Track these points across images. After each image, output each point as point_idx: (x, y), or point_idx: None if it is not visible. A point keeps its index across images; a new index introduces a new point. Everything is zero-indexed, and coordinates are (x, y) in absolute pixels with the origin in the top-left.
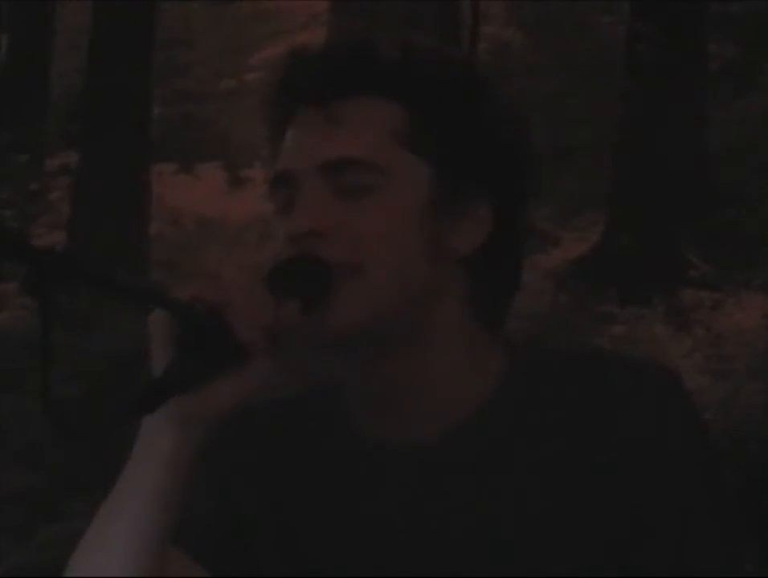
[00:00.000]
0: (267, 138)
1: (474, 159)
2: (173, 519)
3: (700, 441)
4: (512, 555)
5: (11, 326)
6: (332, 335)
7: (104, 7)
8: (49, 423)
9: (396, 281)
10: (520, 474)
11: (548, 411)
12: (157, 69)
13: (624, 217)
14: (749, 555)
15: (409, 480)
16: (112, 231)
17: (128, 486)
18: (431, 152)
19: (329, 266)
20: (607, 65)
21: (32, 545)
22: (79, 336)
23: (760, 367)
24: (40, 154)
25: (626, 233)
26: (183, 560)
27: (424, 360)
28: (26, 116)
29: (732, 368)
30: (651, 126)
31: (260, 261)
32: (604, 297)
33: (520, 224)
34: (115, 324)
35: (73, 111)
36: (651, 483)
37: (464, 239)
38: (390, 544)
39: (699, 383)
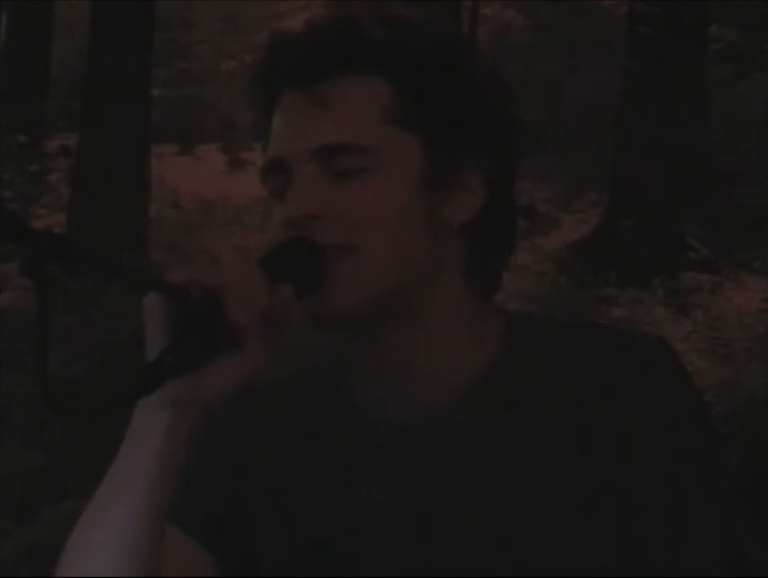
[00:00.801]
0: (255, 122)
1: (463, 128)
2: (169, 500)
3: (696, 412)
4: (511, 524)
5: (12, 306)
6: (332, 316)
7: None
8: (46, 405)
9: (393, 260)
10: (520, 442)
11: (545, 381)
12: (158, 50)
13: (624, 199)
14: (748, 537)
15: (412, 452)
16: (112, 212)
17: (123, 469)
18: (421, 125)
19: (324, 249)
20: (608, 47)
21: (33, 524)
22: (80, 317)
23: (759, 350)
24: (40, 135)
25: (626, 215)
26: (182, 539)
27: (423, 334)
28: (26, 97)
29: (731, 351)
30: (652, 109)
31: (257, 243)
32: (604, 280)
33: (513, 190)
34: (115, 305)
35: (73, 92)
36: (648, 456)
37: (459, 210)
38: (393, 517)
39: (698, 365)
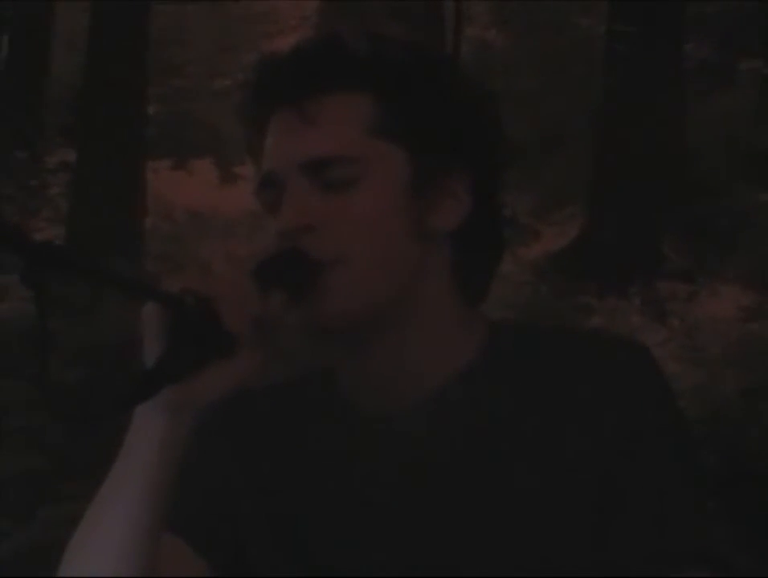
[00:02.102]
0: (249, 141)
1: (447, 139)
2: (166, 504)
3: (670, 408)
4: (494, 516)
5: (11, 316)
6: (324, 324)
7: (101, 9)
8: (47, 408)
9: (383, 269)
10: (501, 432)
11: (525, 382)
12: (153, 69)
13: (602, 211)
14: (724, 537)
15: (400, 448)
16: (109, 225)
17: (121, 473)
18: (405, 137)
19: (317, 259)
20: (586, 64)
21: (32, 525)
22: (79, 324)
23: (733, 356)
24: (39, 151)
25: (604, 227)
26: (176, 543)
27: (410, 338)
28: (26, 114)
29: (706, 357)
30: (629, 124)
31: (250, 253)
32: (583, 289)
33: (498, 198)
34: (113, 314)
35: (71, 109)
36: (626, 454)
37: (445, 217)
38: (384, 512)
39: (674, 371)
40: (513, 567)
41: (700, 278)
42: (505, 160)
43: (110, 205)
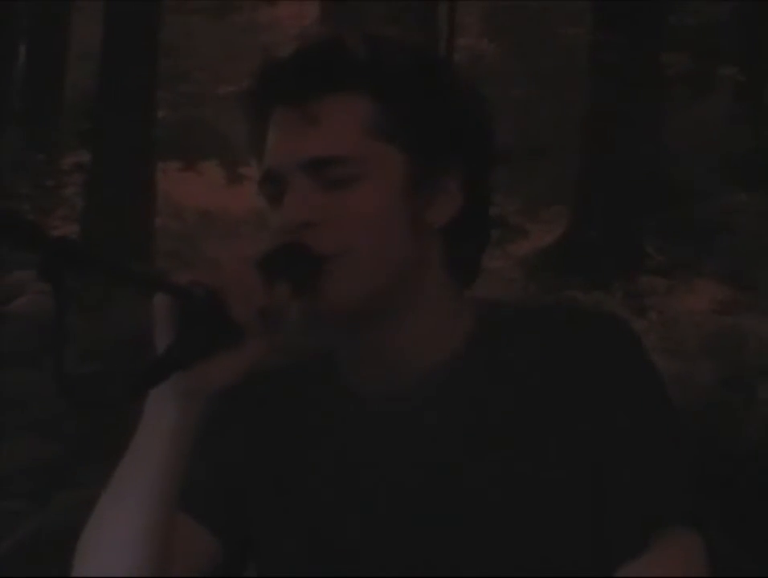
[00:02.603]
0: (250, 138)
1: (442, 139)
2: (179, 484)
3: (654, 382)
4: (488, 488)
5: (29, 309)
6: (328, 314)
7: (114, 20)
8: (63, 398)
9: (382, 261)
10: (494, 407)
11: (515, 357)
12: (162, 75)
13: (587, 211)
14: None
15: (397, 427)
16: (121, 223)
17: (136, 456)
18: (403, 138)
19: (318, 253)
20: (572, 73)
21: (49, 509)
22: (92, 318)
23: (708, 347)
24: (56, 153)
25: (589, 226)
26: (189, 523)
27: (407, 321)
28: (43, 118)
29: (682, 348)
30: (612, 129)
31: (255, 250)
32: (569, 283)
33: (487, 193)
34: (124, 307)
35: (86, 113)
36: (614, 419)
37: (439, 212)
38: (386, 484)
39: (653, 360)
40: (509, 537)
41: (678, 274)
42: (495, 159)
43: (122, 205)
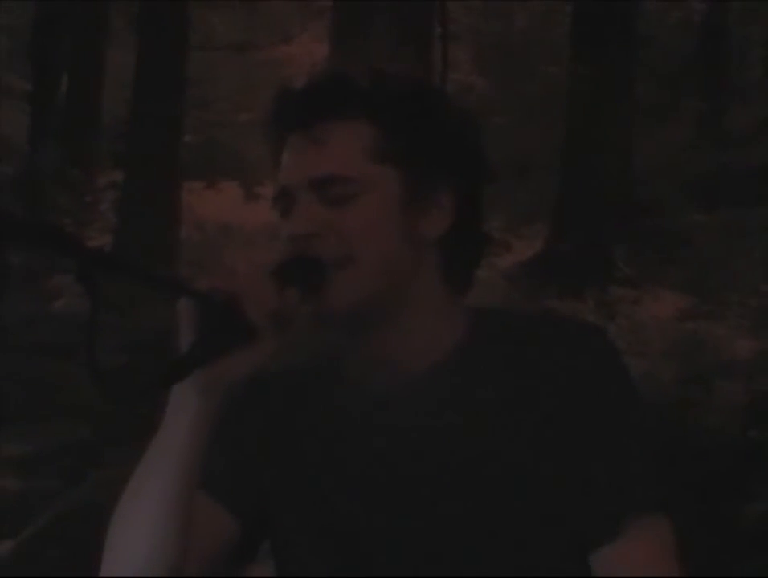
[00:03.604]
0: (271, 159)
1: (434, 160)
2: (199, 467)
3: (629, 381)
4: (474, 468)
5: (68, 309)
6: (333, 316)
7: (146, 53)
8: (95, 387)
9: (381, 269)
10: (484, 402)
11: (503, 358)
12: (188, 104)
13: (564, 228)
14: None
15: (395, 417)
16: (150, 235)
17: (161, 442)
18: (399, 160)
19: (323, 261)
20: (551, 103)
21: (82, 487)
22: (123, 318)
23: (671, 350)
24: (93, 172)
25: (565, 241)
26: (210, 503)
27: (406, 325)
28: (82, 140)
29: (648, 351)
30: (587, 153)
31: (269, 259)
32: (547, 292)
33: (479, 208)
34: (152, 309)
35: (120, 136)
36: (590, 414)
37: (433, 225)
38: (388, 466)
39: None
40: (495, 522)
41: (644, 285)
42: (485, 178)
43: (151, 219)
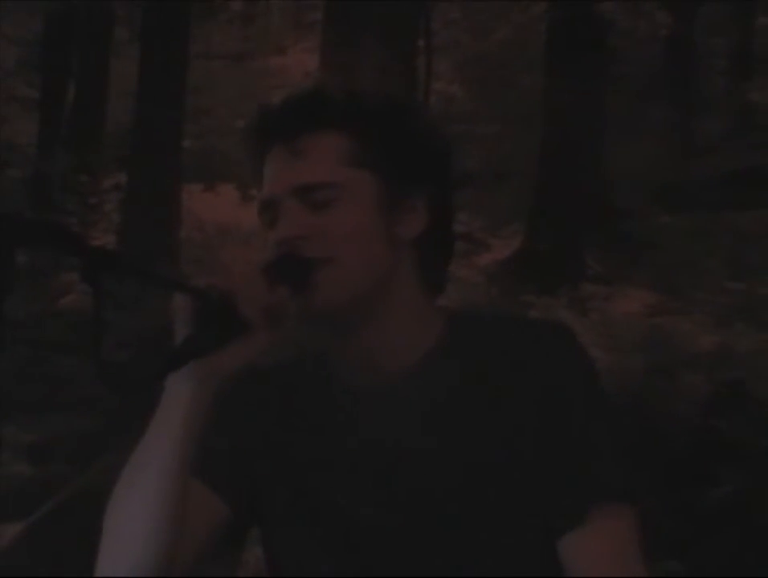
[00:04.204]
0: (252, 170)
1: (408, 168)
2: (192, 452)
3: (594, 377)
4: (447, 457)
5: (74, 305)
6: (317, 313)
7: (148, 64)
8: (100, 379)
9: (362, 268)
10: (458, 395)
11: (476, 355)
12: (188, 111)
13: (540, 229)
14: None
15: (376, 409)
16: (152, 235)
17: (156, 428)
18: (374, 167)
19: (309, 261)
20: (529, 114)
21: (88, 473)
22: (126, 314)
23: (639, 343)
24: (98, 175)
25: (541, 241)
26: (203, 490)
27: (385, 322)
28: (87, 146)
29: (618, 344)
30: (561, 160)
31: (261, 259)
32: (524, 289)
33: (449, 212)
34: (152, 305)
35: (123, 142)
36: (557, 409)
37: (408, 227)
38: (369, 454)
39: (592, 355)
40: (467, 502)
41: (615, 283)
42: (454, 184)
43: (153, 219)
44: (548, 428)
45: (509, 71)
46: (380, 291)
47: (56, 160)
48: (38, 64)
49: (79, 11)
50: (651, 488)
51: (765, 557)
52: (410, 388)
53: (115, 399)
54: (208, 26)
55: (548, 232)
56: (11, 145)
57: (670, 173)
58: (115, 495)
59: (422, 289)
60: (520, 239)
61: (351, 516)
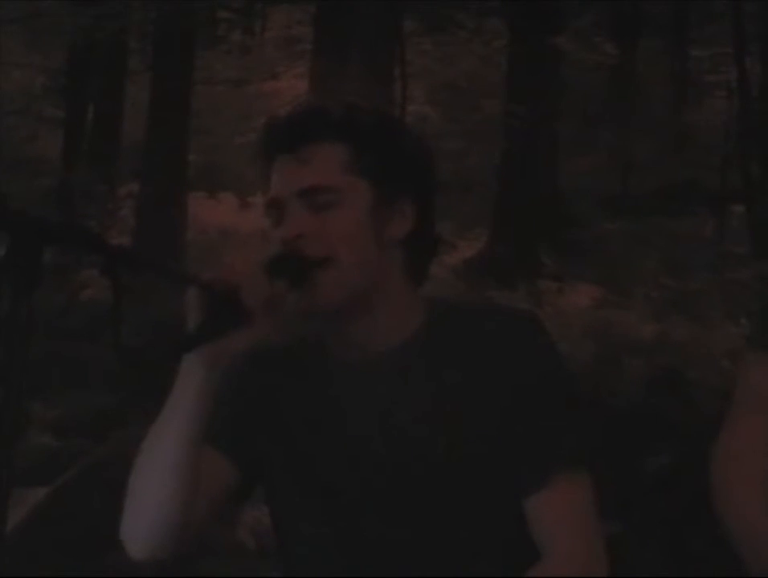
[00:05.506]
0: (261, 176)
1: (397, 175)
2: (205, 425)
3: (557, 358)
4: (429, 426)
5: (95, 298)
6: (315, 308)
7: (158, 88)
8: (120, 362)
9: (356, 268)
10: (438, 373)
11: (455, 339)
12: (192, 129)
13: (501, 232)
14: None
15: (369, 384)
16: (161, 237)
17: (173, 404)
18: (369, 174)
19: (309, 258)
20: (491, 133)
21: (106, 445)
22: (142, 304)
23: (588, 332)
24: (114, 185)
25: (502, 242)
26: (214, 454)
27: (375, 311)
28: (105, 159)
29: (569, 333)
30: (520, 173)
31: (261, 257)
32: (487, 285)
33: (432, 215)
34: (165, 297)
35: (136, 156)
36: (527, 387)
37: (397, 229)
38: (357, 425)
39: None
40: (442, 467)
41: (566, 279)
42: (436, 190)
43: (162, 223)
44: (515, 401)
45: (474, 96)
46: (371, 286)
47: (78, 172)
48: (63, 89)
49: (98, 44)
50: (600, 458)
51: (696, 517)
52: (396, 364)
53: (131, 380)
54: (210, 55)
55: (508, 235)
56: (41, 159)
57: (614, 186)
58: (137, 462)
59: (408, 281)
60: (484, 241)
61: (340, 475)
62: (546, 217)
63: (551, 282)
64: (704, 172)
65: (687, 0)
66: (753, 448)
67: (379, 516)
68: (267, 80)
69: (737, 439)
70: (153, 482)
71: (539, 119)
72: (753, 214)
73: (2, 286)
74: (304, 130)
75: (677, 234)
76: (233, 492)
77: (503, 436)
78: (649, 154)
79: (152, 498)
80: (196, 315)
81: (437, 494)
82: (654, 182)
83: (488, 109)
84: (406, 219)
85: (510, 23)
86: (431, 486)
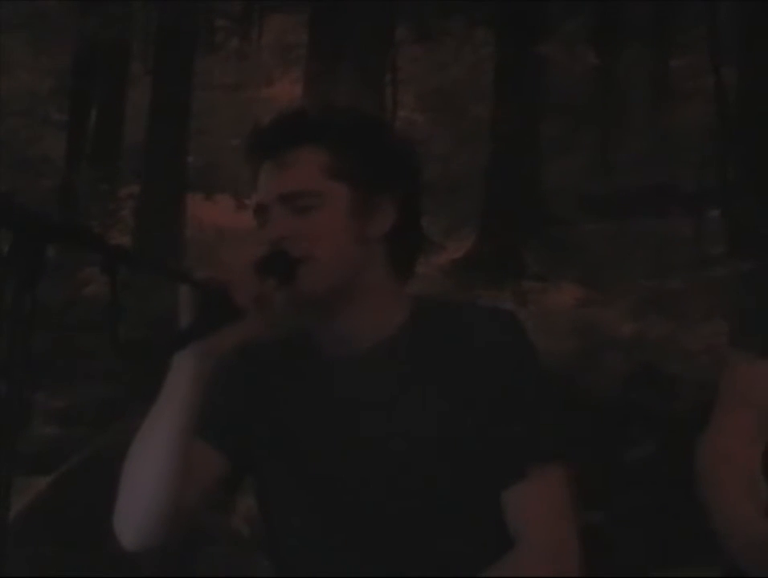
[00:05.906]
0: (249, 180)
1: (376, 176)
2: (196, 417)
3: (535, 355)
4: (412, 415)
5: (96, 294)
6: (301, 301)
7: (158, 92)
8: (118, 356)
9: (336, 264)
10: (420, 368)
11: (437, 333)
12: (191, 132)
13: (488, 233)
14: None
15: (354, 374)
16: (161, 236)
17: (166, 396)
18: (349, 177)
19: (293, 257)
20: (479, 137)
21: (107, 434)
22: (139, 300)
23: (571, 328)
24: (115, 186)
25: (488, 243)
26: (205, 447)
27: (359, 305)
28: (107, 160)
29: (553, 330)
30: (506, 175)
31: (251, 256)
32: (474, 284)
33: (416, 212)
34: (161, 293)
35: (137, 158)
36: (504, 384)
37: (377, 226)
38: (341, 412)
39: (532, 339)
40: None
41: (550, 279)
42: (419, 188)
43: (162, 223)
44: (495, 397)
45: (462, 101)
46: (354, 281)
47: (81, 173)
48: (67, 92)
49: (101, 48)
50: (580, 450)
51: (674, 505)
52: (381, 358)
53: (131, 371)
54: (209, 61)
55: (494, 236)
56: (45, 159)
57: (596, 187)
58: (131, 451)
59: (392, 277)
60: (471, 242)
61: (329, 467)
62: (531, 219)
63: (535, 282)
64: (683, 174)
65: (667, 8)
66: (740, 445)
67: (369, 508)
68: (263, 85)
69: (723, 437)
70: (145, 471)
71: (524, 122)
72: (729, 215)
73: (6, 280)
74: (284, 135)
75: (657, 235)
76: (223, 482)
77: (484, 430)
78: (630, 156)
79: (144, 486)
80: (189, 313)
81: (426, 486)
82: (634, 183)
83: (475, 114)
84: (387, 217)
85: (498, 32)
86: (420, 478)
